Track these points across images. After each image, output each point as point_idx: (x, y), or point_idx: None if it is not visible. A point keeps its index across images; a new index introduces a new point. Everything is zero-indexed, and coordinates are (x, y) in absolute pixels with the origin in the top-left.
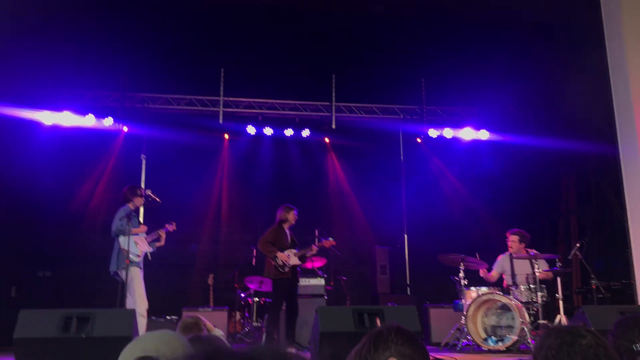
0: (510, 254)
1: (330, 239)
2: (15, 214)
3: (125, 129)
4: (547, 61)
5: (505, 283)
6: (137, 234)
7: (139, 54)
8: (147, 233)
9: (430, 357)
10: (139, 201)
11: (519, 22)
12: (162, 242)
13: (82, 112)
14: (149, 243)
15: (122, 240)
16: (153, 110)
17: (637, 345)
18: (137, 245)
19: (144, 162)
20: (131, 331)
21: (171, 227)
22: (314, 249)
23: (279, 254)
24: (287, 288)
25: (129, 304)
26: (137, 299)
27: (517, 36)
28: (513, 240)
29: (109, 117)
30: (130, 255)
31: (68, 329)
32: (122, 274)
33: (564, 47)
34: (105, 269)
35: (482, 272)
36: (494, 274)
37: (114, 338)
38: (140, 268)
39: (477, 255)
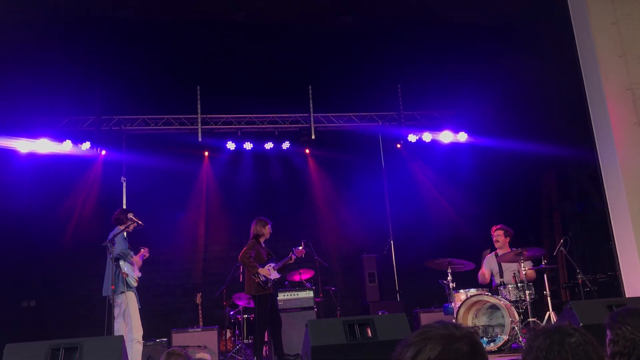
0: (496, 254)
1: (300, 247)
2: None
3: (103, 152)
4: (521, 63)
5: (494, 283)
6: (132, 261)
7: (113, 76)
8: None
9: None
10: (130, 223)
11: (492, 26)
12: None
13: (59, 138)
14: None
15: (123, 264)
16: (130, 132)
17: None
18: (133, 269)
19: (124, 184)
20: (120, 358)
21: (146, 254)
22: (292, 258)
23: (260, 270)
24: (270, 303)
25: (118, 330)
26: (134, 325)
27: (491, 39)
28: (498, 234)
29: (87, 142)
30: (130, 279)
31: None
32: (118, 298)
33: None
34: (91, 295)
35: (481, 278)
36: (486, 273)
37: None
38: (136, 293)
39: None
